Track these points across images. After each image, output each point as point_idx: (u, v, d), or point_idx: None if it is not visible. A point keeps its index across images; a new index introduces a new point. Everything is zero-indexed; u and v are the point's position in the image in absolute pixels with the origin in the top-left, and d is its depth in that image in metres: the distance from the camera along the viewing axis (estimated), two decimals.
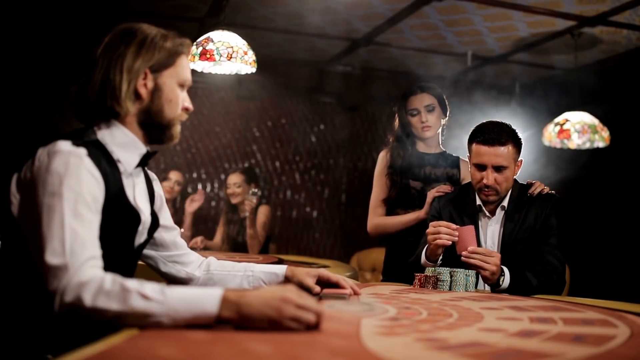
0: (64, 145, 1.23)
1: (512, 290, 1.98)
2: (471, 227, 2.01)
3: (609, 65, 4.87)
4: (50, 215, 1.15)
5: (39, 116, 4.41)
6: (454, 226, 2.01)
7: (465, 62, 4.99)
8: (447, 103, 2.74)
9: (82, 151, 1.23)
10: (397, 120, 2.76)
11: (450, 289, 1.90)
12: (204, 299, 1.05)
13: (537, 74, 5.53)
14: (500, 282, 1.98)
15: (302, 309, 1.02)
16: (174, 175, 4.27)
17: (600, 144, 4.14)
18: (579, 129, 4.03)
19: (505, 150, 2.13)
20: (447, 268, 1.94)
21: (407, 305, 1.42)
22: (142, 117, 1.36)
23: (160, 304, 1.04)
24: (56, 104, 4.22)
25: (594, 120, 4.10)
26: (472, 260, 1.93)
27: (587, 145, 4.14)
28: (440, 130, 2.75)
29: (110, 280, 1.09)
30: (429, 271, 1.98)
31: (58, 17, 4.33)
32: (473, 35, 4.50)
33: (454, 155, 2.78)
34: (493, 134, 2.14)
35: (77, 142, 1.25)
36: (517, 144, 2.18)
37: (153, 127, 1.38)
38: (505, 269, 2.00)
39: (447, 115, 2.75)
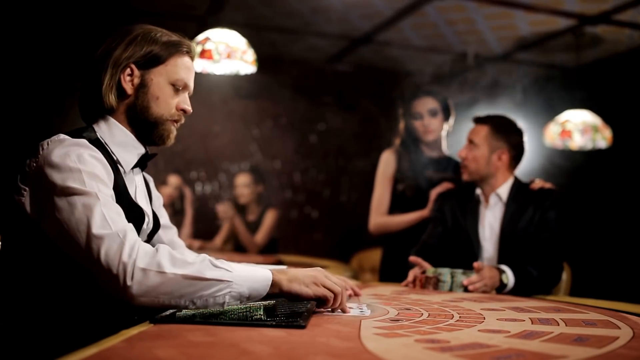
0: (67, 137, 1.25)
1: (516, 285, 1.97)
2: None
3: (611, 64, 4.86)
4: (74, 198, 1.14)
5: (37, 117, 4.39)
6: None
7: (466, 61, 4.98)
8: (451, 108, 2.73)
9: (85, 142, 1.25)
10: (401, 123, 2.76)
11: (451, 290, 1.89)
12: (258, 269, 1.18)
13: (539, 73, 5.52)
14: (505, 281, 1.96)
15: (330, 280, 1.24)
16: (174, 180, 4.20)
17: (603, 144, 4.11)
18: (581, 128, 4.01)
19: (480, 128, 2.23)
20: (448, 269, 1.93)
21: (407, 306, 1.42)
22: (130, 114, 1.36)
23: (230, 271, 1.13)
24: (54, 104, 4.21)
25: (596, 120, 4.08)
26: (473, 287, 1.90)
27: (590, 146, 4.12)
28: (444, 134, 2.74)
29: (170, 250, 1.13)
30: (429, 272, 1.97)
31: (57, 17, 4.33)
32: (474, 34, 4.49)
33: (457, 160, 2.77)
34: (482, 115, 2.29)
35: (79, 137, 1.27)
36: (498, 130, 2.22)
37: (140, 125, 1.36)
38: (506, 268, 1.98)
39: (450, 119, 2.74)
